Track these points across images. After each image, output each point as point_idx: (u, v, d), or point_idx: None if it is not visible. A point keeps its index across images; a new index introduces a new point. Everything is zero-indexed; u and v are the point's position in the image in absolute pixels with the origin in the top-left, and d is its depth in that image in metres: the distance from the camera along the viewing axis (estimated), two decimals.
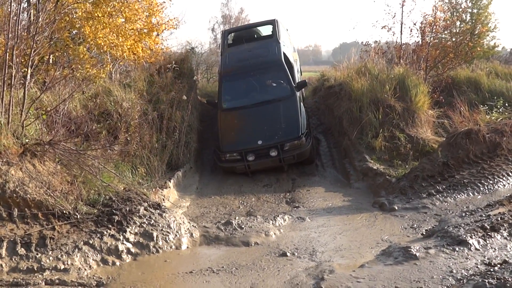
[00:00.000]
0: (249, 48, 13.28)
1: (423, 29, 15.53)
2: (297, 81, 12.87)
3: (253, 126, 11.57)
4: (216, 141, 11.91)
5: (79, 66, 11.16)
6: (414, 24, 15.83)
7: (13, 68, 7.38)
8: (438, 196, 8.75)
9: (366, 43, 16.86)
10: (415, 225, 7.64)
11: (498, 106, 12.04)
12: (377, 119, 11.79)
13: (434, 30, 15.53)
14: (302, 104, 12.47)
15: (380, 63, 14.24)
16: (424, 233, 7.04)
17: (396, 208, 8.45)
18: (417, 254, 5.78)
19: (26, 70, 8.06)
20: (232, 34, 14.98)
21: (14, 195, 6.28)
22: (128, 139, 9.88)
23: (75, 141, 8.17)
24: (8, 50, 7.27)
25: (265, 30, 14.97)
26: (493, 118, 10.90)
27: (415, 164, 10.15)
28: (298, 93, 12.17)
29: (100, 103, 10.47)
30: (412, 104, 12.20)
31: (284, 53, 12.71)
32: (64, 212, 6.52)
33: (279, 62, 12.46)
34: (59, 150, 7.29)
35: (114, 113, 10.40)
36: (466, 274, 5.22)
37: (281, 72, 12.34)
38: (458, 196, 8.74)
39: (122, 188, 7.81)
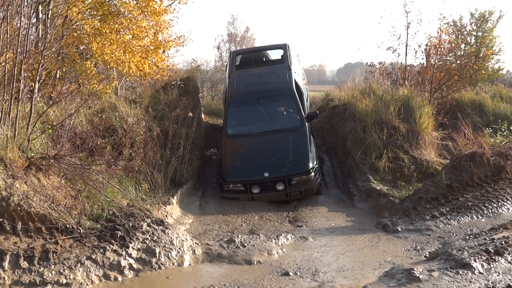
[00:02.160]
0: (258, 73, 12.77)
1: (428, 51, 15.63)
2: (307, 111, 12.47)
3: (260, 156, 11.07)
4: (220, 169, 11.46)
5: (86, 82, 11.25)
6: (419, 46, 15.95)
7: (21, 82, 7.44)
8: (441, 218, 8.71)
9: (371, 64, 16.94)
10: (419, 247, 7.61)
11: (503, 129, 12.05)
12: (381, 139, 11.81)
13: (439, 52, 15.61)
14: (311, 136, 11.99)
15: (385, 84, 14.33)
16: (428, 256, 7.00)
17: (400, 229, 8.42)
18: (421, 277, 5.75)
19: (33, 84, 8.14)
20: (240, 56, 14.53)
21: (18, 208, 6.30)
22: (133, 154, 9.90)
23: (80, 156, 8.20)
24: (16, 65, 7.33)
25: (275, 54, 14.61)
26: (497, 141, 10.90)
27: (418, 186, 10.14)
28: (308, 125, 11.65)
29: (106, 118, 10.53)
30: (416, 125, 12.23)
31: (295, 81, 12.29)
32: (68, 226, 6.52)
33: (290, 90, 11.97)
34: (64, 165, 7.32)
35: (119, 128, 10.45)
36: None
37: (291, 101, 11.83)
38: (462, 218, 8.71)
39: (126, 204, 7.82)
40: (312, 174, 10.77)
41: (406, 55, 16.03)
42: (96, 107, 10.95)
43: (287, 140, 11.22)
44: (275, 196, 10.70)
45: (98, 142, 9.34)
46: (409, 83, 14.83)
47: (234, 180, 10.83)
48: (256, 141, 11.34)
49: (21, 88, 7.46)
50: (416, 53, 16.01)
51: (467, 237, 7.19)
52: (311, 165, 10.83)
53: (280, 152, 11.03)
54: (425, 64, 15.76)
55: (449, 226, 8.49)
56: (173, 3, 13.26)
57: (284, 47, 13.58)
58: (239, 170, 10.95)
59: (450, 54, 16.87)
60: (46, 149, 7.46)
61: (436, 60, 15.75)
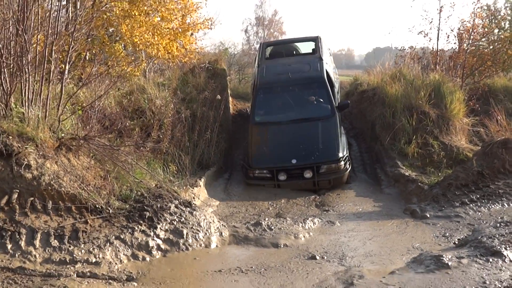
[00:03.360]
0: (289, 62, 12.60)
1: (460, 35, 15.33)
2: (337, 102, 12.12)
3: (288, 144, 10.74)
4: (245, 155, 11.33)
5: (115, 64, 11.32)
6: (452, 30, 15.66)
7: (52, 63, 7.51)
8: (471, 205, 8.57)
9: (402, 48, 16.69)
10: (447, 234, 7.51)
11: None
12: (411, 125, 11.65)
13: (472, 37, 15.29)
14: (342, 127, 11.68)
15: (415, 69, 14.08)
16: (457, 242, 6.90)
17: (428, 215, 8.32)
18: (449, 263, 5.66)
19: (63, 66, 8.21)
20: (271, 47, 14.34)
21: (49, 187, 6.39)
22: (161, 136, 9.97)
23: (109, 137, 8.30)
24: (47, 46, 7.40)
25: (306, 47, 14.37)
26: None
27: (448, 172, 9.99)
28: (338, 115, 11.39)
29: (135, 100, 10.61)
30: (447, 111, 12.02)
31: (326, 71, 12.04)
32: (97, 206, 6.61)
33: (322, 79, 11.69)
34: (93, 145, 7.40)
35: (148, 110, 10.52)
36: (500, 286, 5.09)
37: (322, 90, 11.50)
38: (493, 206, 8.55)
39: (154, 185, 7.88)
40: (342, 162, 10.43)
41: (437, 39, 15.78)
42: (125, 89, 11.04)
43: (317, 129, 10.92)
44: (303, 184, 10.37)
45: (127, 123, 9.43)
46: (441, 68, 14.55)
47: (260, 167, 10.55)
48: (284, 129, 11.03)
49: (51, 70, 7.54)
50: (448, 37, 15.75)
51: (498, 225, 7.05)
52: (341, 154, 10.51)
53: (309, 140, 10.72)
54: (457, 49, 15.49)
55: (479, 214, 8.34)
56: None
57: (315, 39, 13.37)
58: (265, 157, 10.68)
59: (483, 39, 16.45)
60: (76, 130, 7.54)
61: (469, 45, 15.43)
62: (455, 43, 15.68)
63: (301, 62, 12.73)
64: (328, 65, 12.75)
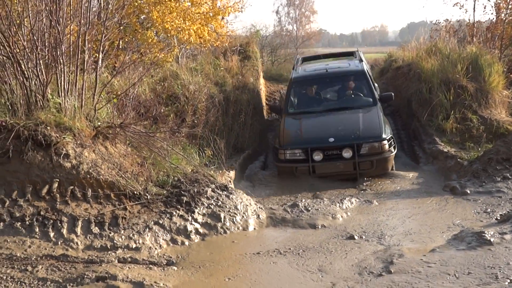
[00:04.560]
0: (327, 62, 12.17)
1: (498, 5, 14.87)
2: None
3: (325, 126, 9.96)
4: (276, 137, 10.57)
5: (147, 51, 11.39)
6: (488, 0, 15.18)
7: (86, 53, 7.60)
8: None
9: (437, 22, 16.33)
10: (489, 210, 7.35)
11: None
12: (448, 100, 11.40)
13: (510, 7, 14.81)
14: (385, 117, 10.56)
15: (452, 42, 13.76)
16: (499, 218, 6.74)
17: (468, 192, 8.15)
18: (492, 240, 5.55)
19: (97, 55, 8.30)
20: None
21: (88, 176, 6.51)
22: (195, 121, 10.03)
23: (145, 124, 8.37)
24: (80, 36, 7.49)
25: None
26: None
27: (488, 147, 9.75)
28: (380, 105, 10.58)
29: (168, 86, 10.68)
30: (485, 84, 11.71)
31: (367, 70, 11.49)
32: (135, 192, 6.70)
33: (362, 71, 11.13)
34: (129, 133, 7.49)
35: (182, 96, 10.58)
36: None
37: (363, 81, 10.86)
38: None
39: (190, 170, 7.94)
40: (386, 143, 9.39)
41: (474, 10, 15.42)
42: (158, 76, 11.11)
43: (357, 115, 10.15)
44: (341, 166, 9.33)
45: (162, 110, 9.51)
46: (478, 40, 14.20)
47: (293, 147, 9.66)
48: (321, 118, 10.32)
49: (86, 59, 7.63)
50: (485, 8, 15.45)
51: None
52: (384, 135, 9.49)
53: (348, 123, 9.90)
54: (494, 19, 15.04)
55: None
56: None
57: (353, 53, 13.08)
58: (299, 138, 9.88)
59: None
60: (112, 118, 7.64)
61: (507, 14, 14.96)
62: (492, 14, 15.28)
63: (339, 61, 12.40)
64: (368, 70, 12.13)
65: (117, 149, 7.28)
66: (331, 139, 9.36)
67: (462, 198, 7.95)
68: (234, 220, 6.87)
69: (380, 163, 9.29)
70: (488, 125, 10.78)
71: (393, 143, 9.60)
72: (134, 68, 9.81)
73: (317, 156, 9.35)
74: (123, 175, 6.80)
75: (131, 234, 6.05)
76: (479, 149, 9.94)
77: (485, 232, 5.73)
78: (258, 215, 7.22)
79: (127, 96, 8.55)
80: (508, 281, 4.60)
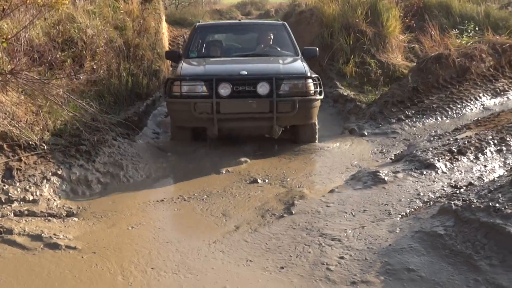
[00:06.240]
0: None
1: None
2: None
3: (237, 62, 8.42)
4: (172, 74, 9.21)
5: None
6: None
7: None
8: (407, 121, 8.85)
9: None
10: (384, 150, 7.73)
11: (469, 30, 12.03)
12: (348, 44, 11.70)
13: None
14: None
15: None
16: (393, 158, 7.12)
17: (366, 133, 8.52)
18: (386, 178, 5.87)
19: None
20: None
21: None
22: (94, 67, 9.60)
23: (39, 70, 7.89)
24: None
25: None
26: (463, 42, 10.90)
27: (385, 90, 10.19)
28: (302, 57, 8.72)
29: (64, 30, 10.05)
30: (383, 29, 12.12)
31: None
32: (31, 143, 6.36)
33: (283, 25, 9.60)
34: (22, 80, 7.04)
35: (79, 40, 10.01)
36: (433, 196, 5.32)
37: (283, 33, 9.31)
38: (427, 120, 8.86)
39: (90, 118, 7.66)
40: (311, 82, 7.64)
41: None
42: (53, 19, 10.43)
43: (276, 59, 8.55)
44: (254, 105, 7.33)
45: (57, 55, 8.98)
46: None
47: (193, 77, 7.69)
48: (231, 59, 8.84)
49: None
50: None
51: (432, 138, 7.31)
52: (309, 74, 7.77)
53: (266, 62, 8.48)
54: None
55: (415, 129, 8.63)
56: None
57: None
58: (201, 68, 8.25)
59: None
60: (1, 64, 7.14)
61: None
62: None
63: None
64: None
65: (9, 97, 6.85)
66: (244, 72, 7.47)
67: (360, 139, 8.30)
68: (137, 168, 6.76)
69: (303, 107, 7.43)
70: (385, 69, 11.22)
71: (319, 87, 7.77)
72: (26, 10, 9.14)
73: (224, 90, 7.33)
74: (17, 125, 6.42)
75: (28, 186, 5.78)
76: (377, 92, 10.36)
77: (380, 171, 6.03)
78: (162, 162, 7.14)
79: (18, 40, 7.98)
80: (400, 216, 4.89)
